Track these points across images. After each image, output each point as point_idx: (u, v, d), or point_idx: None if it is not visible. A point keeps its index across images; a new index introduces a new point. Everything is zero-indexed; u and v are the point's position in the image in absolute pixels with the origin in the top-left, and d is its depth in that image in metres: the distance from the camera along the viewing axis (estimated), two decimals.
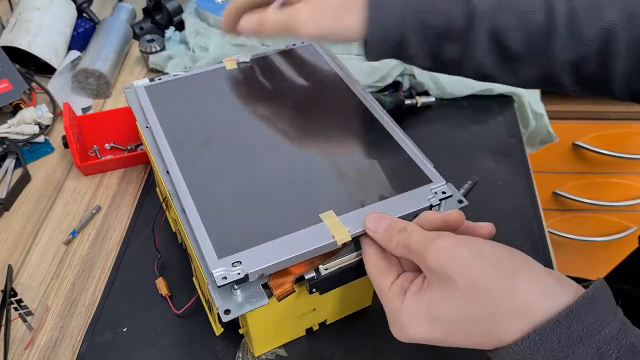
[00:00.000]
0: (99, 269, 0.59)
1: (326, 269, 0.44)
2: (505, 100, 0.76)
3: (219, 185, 0.49)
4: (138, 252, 0.60)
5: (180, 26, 0.87)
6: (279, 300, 0.44)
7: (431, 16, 0.49)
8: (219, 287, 0.41)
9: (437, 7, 0.49)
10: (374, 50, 0.51)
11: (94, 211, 0.64)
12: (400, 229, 0.40)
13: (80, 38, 0.86)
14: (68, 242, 0.62)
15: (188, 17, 0.85)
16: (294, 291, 0.44)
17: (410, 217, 0.45)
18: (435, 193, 0.47)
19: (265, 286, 0.44)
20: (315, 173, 0.50)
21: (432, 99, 0.75)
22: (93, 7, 0.89)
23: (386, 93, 0.76)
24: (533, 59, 0.49)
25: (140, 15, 0.91)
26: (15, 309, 0.56)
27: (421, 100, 0.75)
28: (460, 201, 0.48)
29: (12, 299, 0.56)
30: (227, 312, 0.43)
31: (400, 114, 0.73)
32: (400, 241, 0.39)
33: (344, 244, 0.44)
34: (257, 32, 0.54)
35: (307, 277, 0.44)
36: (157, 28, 0.88)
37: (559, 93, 0.53)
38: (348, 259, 0.45)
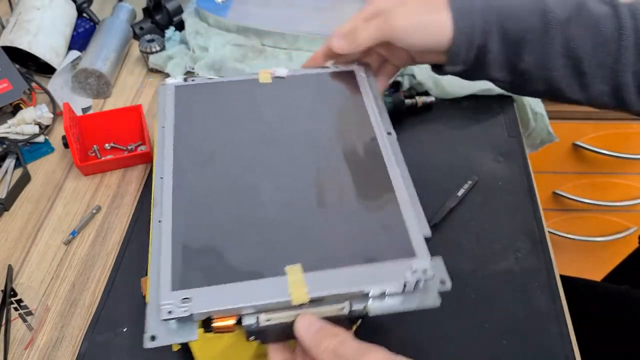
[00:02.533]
0: (99, 269, 0.59)
1: (267, 320, 0.41)
2: (506, 100, 0.76)
3: (203, 209, 0.47)
4: (138, 252, 0.60)
5: (180, 26, 0.87)
6: (215, 332, 0.42)
7: (511, 22, 0.49)
8: (162, 320, 0.41)
9: (517, 14, 0.50)
10: (459, 53, 0.51)
11: (94, 211, 0.64)
12: (332, 334, 0.39)
13: (80, 38, 0.86)
14: (68, 242, 0.62)
15: (188, 17, 0.85)
16: (234, 330, 0.42)
17: (379, 294, 0.42)
18: (414, 272, 0.42)
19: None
20: (301, 216, 0.47)
21: (432, 99, 0.75)
22: (93, 7, 0.89)
23: (386, 93, 0.76)
24: (602, 73, 0.49)
25: (140, 15, 0.91)
26: (15, 309, 0.56)
27: (421, 100, 0.75)
28: (442, 282, 0.43)
29: (12, 299, 0.56)
30: (153, 338, 0.42)
31: (400, 114, 0.73)
32: (330, 345, 0.38)
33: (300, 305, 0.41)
34: (350, 45, 0.54)
35: (244, 323, 0.42)
36: (157, 28, 0.88)
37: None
38: (293, 315, 0.42)
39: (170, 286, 0.42)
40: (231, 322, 0.42)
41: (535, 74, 0.51)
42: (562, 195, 1.26)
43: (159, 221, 0.46)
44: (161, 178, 0.49)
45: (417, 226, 0.46)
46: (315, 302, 0.42)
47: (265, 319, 0.41)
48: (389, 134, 0.54)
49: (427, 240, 0.46)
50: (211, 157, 0.51)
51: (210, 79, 0.58)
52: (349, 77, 0.60)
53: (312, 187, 0.49)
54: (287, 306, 0.41)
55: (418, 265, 0.43)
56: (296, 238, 0.45)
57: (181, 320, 0.42)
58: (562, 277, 0.58)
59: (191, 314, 0.41)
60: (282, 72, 0.59)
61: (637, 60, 0.48)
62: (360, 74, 0.60)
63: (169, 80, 0.57)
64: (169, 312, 0.41)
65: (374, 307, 0.42)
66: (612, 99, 0.51)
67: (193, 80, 0.58)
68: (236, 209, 0.47)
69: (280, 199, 0.48)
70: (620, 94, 0.50)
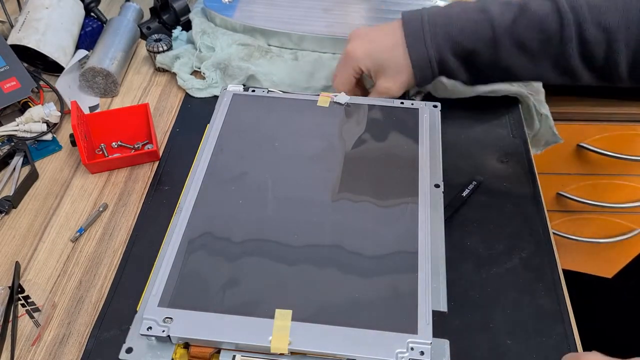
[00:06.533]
0: (105, 266, 0.60)
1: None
2: (510, 102, 0.76)
3: (215, 231, 0.46)
4: (144, 250, 0.60)
5: (187, 26, 0.87)
6: (190, 357, 0.42)
7: (463, 38, 0.58)
8: (140, 334, 0.41)
9: (465, 31, 0.58)
10: (421, 82, 0.62)
11: (100, 209, 0.65)
12: None
13: (88, 37, 0.87)
14: (75, 240, 0.62)
15: (195, 17, 0.85)
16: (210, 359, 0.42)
17: None
18: (412, 349, 0.40)
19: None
20: (311, 260, 0.45)
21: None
22: (100, 7, 0.90)
23: None
24: (551, 59, 0.57)
25: (147, 15, 0.92)
26: (23, 305, 0.56)
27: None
28: None
29: (20, 296, 0.57)
30: (129, 350, 0.42)
31: None
32: None
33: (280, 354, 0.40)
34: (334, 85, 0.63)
35: (221, 358, 0.41)
36: (164, 28, 0.89)
37: (565, 89, 0.60)
38: None
39: (157, 301, 0.42)
40: (208, 352, 0.41)
41: (493, 68, 0.60)
42: (566, 197, 1.26)
43: (174, 230, 0.46)
44: (189, 187, 0.49)
45: (429, 301, 0.42)
46: (297, 355, 0.40)
47: (240, 358, 0.40)
48: (436, 186, 0.52)
49: (443, 314, 0.43)
50: (240, 176, 0.50)
51: (270, 91, 0.57)
52: (411, 115, 0.57)
53: (333, 231, 0.47)
54: (267, 351, 0.40)
55: (416, 344, 0.40)
56: (298, 283, 0.43)
57: (161, 339, 0.42)
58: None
59: (168, 336, 0.41)
60: (342, 98, 0.57)
61: (582, 48, 0.55)
62: (424, 115, 0.57)
63: (230, 87, 0.56)
64: (149, 327, 0.41)
65: None
66: (564, 76, 0.59)
67: (253, 91, 0.57)
68: (247, 237, 0.46)
69: (295, 238, 0.46)
70: (570, 73, 0.58)
